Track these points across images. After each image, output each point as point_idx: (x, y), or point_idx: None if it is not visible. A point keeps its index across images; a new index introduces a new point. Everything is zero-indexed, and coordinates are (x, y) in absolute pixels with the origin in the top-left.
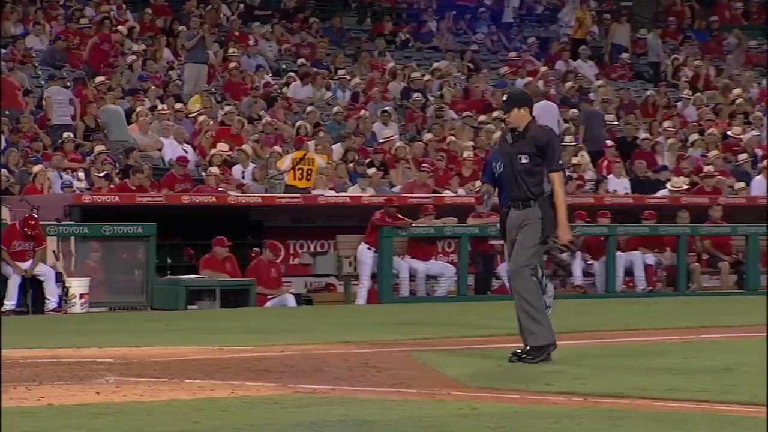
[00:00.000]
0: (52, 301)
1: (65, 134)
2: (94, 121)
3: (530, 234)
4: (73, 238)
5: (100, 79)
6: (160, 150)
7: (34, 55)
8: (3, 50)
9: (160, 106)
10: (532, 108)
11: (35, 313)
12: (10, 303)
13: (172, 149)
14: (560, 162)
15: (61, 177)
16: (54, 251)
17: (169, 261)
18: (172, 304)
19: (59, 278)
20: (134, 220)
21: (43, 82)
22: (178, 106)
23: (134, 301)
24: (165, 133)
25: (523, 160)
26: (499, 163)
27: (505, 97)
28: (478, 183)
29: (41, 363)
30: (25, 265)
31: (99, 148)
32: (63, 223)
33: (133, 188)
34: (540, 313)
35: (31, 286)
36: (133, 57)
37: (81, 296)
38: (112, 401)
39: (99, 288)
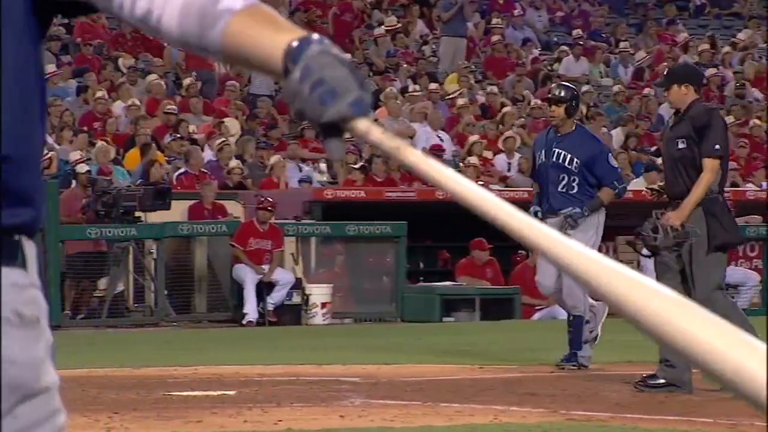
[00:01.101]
0: (274, 302)
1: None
2: None
3: (696, 244)
4: (313, 239)
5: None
6: (411, 137)
7: None
8: None
9: (411, 87)
10: (698, 85)
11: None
12: (251, 314)
13: (425, 136)
14: (717, 147)
15: (300, 169)
16: (292, 254)
17: (421, 266)
18: (425, 315)
19: (298, 285)
20: (382, 218)
21: None
22: (433, 86)
23: (382, 311)
24: (417, 117)
25: (680, 145)
26: (540, 152)
27: (665, 72)
28: None
29: (279, 381)
30: (263, 268)
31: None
32: (302, 222)
33: (381, 182)
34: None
35: (267, 294)
36: (381, 30)
37: (322, 305)
38: (358, 426)
39: (343, 296)
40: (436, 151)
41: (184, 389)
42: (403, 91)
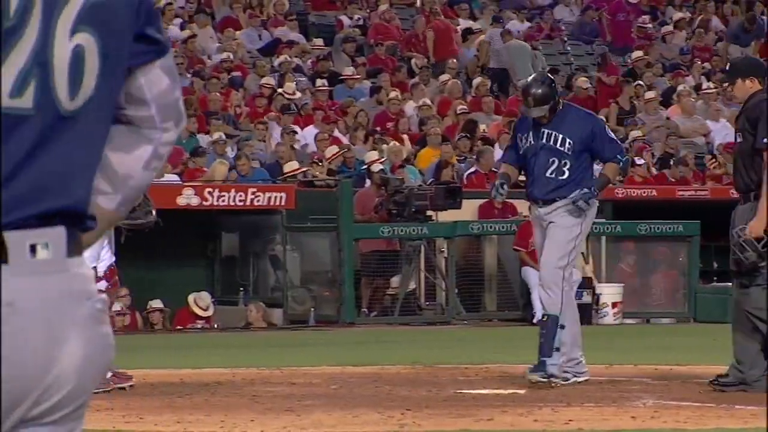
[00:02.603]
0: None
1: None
2: (628, 102)
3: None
4: (603, 238)
5: (637, 54)
6: (705, 135)
7: (563, 27)
8: (528, 22)
9: (705, 85)
10: (762, 77)
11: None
12: (539, 313)
13: (721, 134)
14: (765, 140)
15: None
16: (582, 253)
17: (715, 265)
18: (719, 315)
19: (588, 284)
20: (674, 217)
21: (572, 59)
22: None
23: (675, 311)
24: (712, 115)
25: (738, 140)
26: (526, 135)
27: (728, 66)
28: None
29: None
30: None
31: (635, 134)
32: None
33: (673, 180)
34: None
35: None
36: (669, 28)
37: (613, 305)
38: (650, 428)
39: (633, 296)
40: (731, 150)
41: (475, 387)
42: (697, 88)
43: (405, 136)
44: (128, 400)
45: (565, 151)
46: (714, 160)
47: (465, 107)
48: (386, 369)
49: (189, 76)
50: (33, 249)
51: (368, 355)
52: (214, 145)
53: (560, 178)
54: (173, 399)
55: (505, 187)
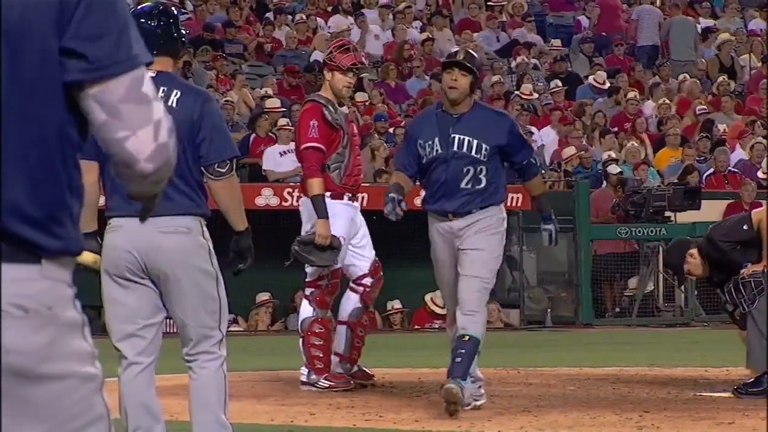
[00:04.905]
0: None
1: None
2: None
3: None
4: None
5: None
6: None
7: None
8: None
9: None
10: None
11: None
12: None
13: None
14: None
15: None
16: None
17: None
18: None
19: None
20: None
21: None
22: None
23: None
24: None
25: None
26: (432, 141)
27: None
28: None
29: None
30: None
31: None
32: None
33: None
34: None
35: None
36: None
37: None
38: None
39: None
40: None
41: (715, 390)
42: None
43: (644, 136)
44: (368, 398)
45: (481, 158)
46: None
47: (705, 107)
48: (624, 370)
49: (427, 78)
50: None
51: (606, 357)
52: None
53: (477, 187)
54: (411, 398)
55: (403, 204)
